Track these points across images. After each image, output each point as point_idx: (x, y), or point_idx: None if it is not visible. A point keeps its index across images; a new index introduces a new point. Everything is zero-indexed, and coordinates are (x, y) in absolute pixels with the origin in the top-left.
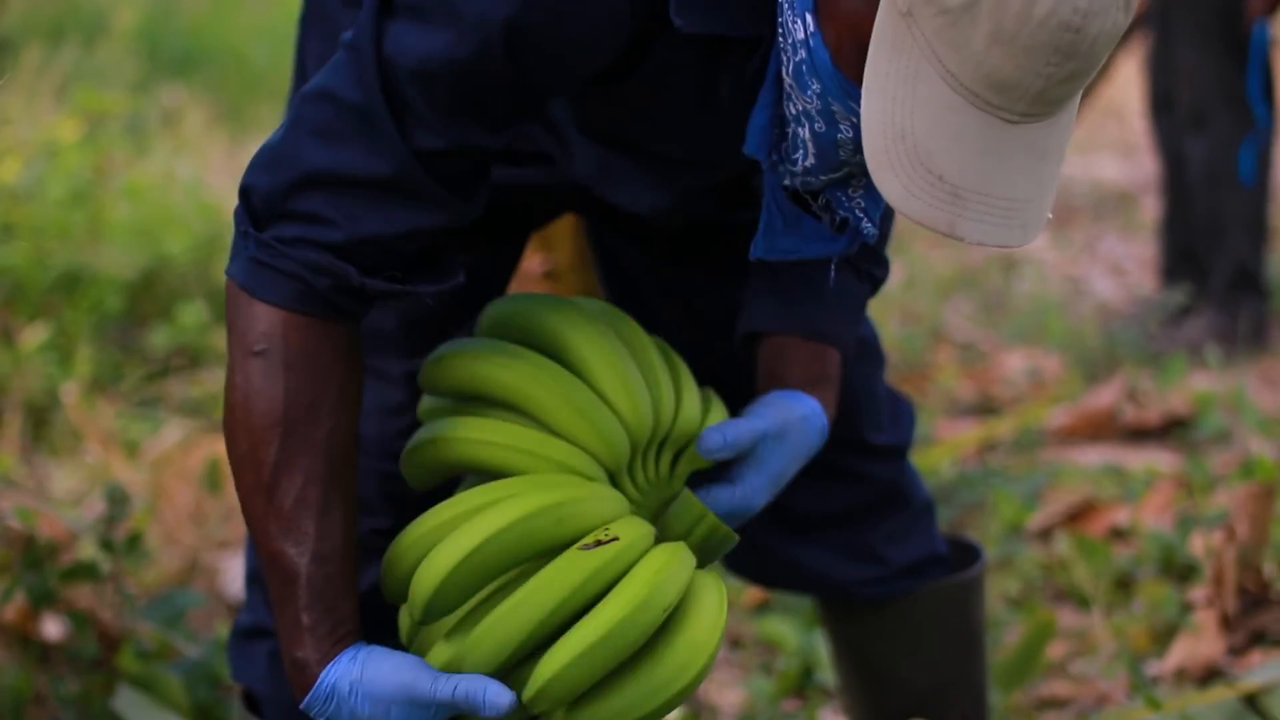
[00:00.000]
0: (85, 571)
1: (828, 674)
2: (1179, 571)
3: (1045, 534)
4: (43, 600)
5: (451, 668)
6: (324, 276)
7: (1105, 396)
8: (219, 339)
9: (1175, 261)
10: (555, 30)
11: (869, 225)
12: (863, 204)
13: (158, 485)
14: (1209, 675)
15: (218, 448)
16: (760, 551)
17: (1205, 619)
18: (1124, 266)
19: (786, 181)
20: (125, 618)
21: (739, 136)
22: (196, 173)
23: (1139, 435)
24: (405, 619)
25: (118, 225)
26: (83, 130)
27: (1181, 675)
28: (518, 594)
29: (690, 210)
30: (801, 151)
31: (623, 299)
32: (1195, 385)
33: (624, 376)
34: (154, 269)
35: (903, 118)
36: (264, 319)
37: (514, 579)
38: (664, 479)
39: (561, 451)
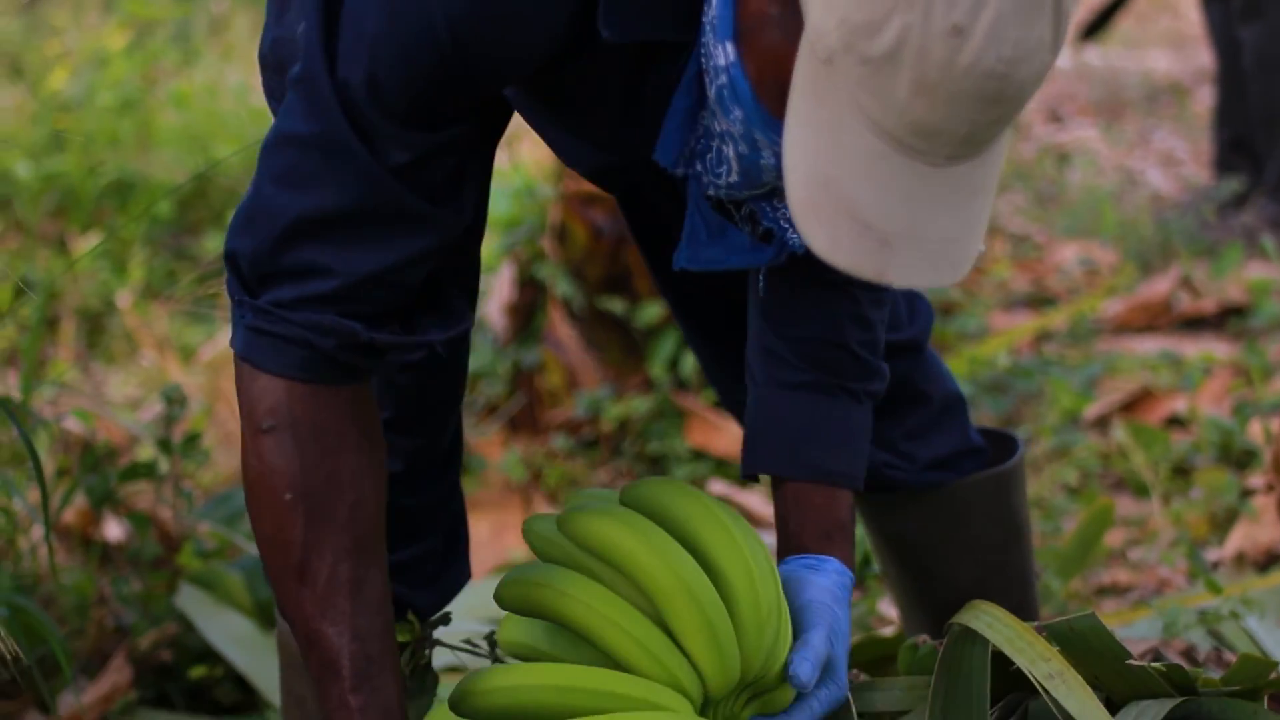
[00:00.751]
0: (144, 471)
1: None
2: (1237, 458)
3: (1102, 423)
4: (103, 501)
5: None
6: (329, 337)
7: (1160, 286)
8: None
9: (1229, 151)
10: (493, 29)
11: (794, 236)
12: (787, 215)
13: (213, 388)
14: (1269, 560)
15: None
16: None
17: (1264, 504)
18: (1177, 158)
19: (710, 191)
20: (185, 517)
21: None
22: (244, 79)
23: (1195, 325)
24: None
25: (167, 132)
26: (130, 38)
27: (1241, 560)
28: None
29: (629, 177)
30: (725, 168)
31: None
32: (1251, 274)
33: (759, 611)
34: (204, 175)
35: (826, 165)
36: (270, 393)
37: None
38: (735, 714)
39: (670, 658)
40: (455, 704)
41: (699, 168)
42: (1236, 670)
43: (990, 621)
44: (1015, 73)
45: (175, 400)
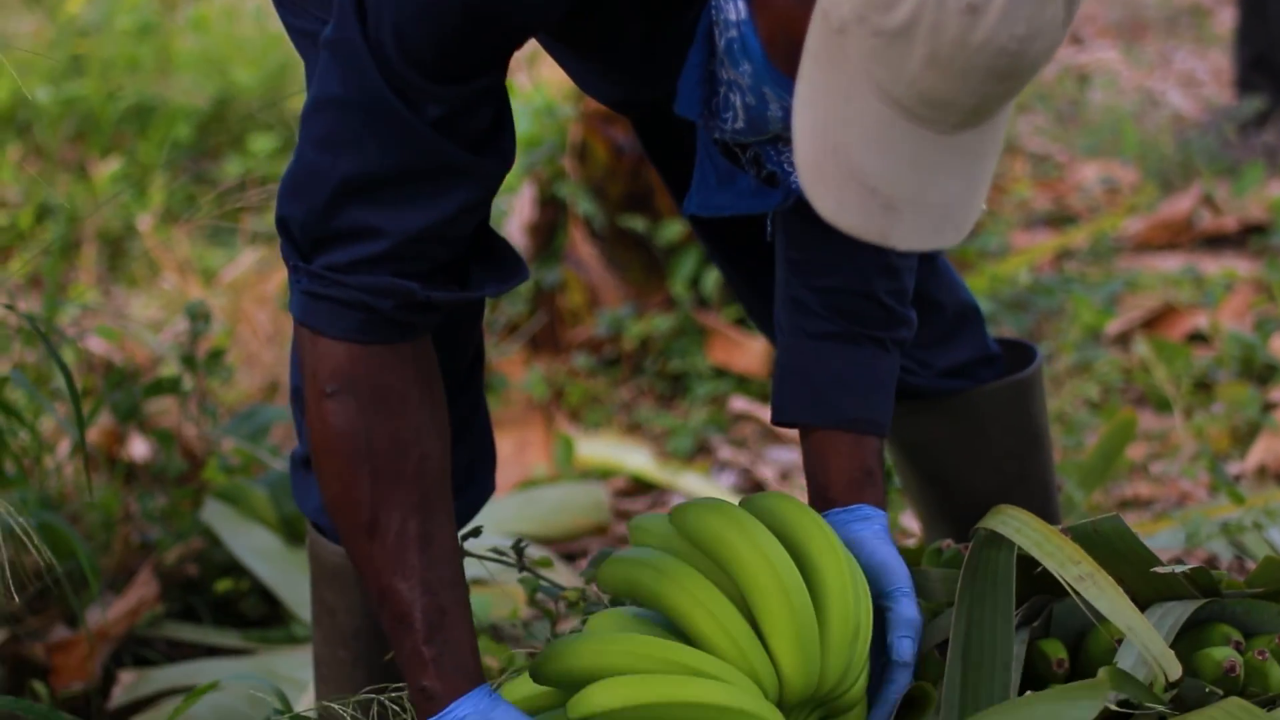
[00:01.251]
0: (169, 386)
1: None
2: (1259, 373)
3: (1124, 339)
4: (128, 417)
5: None
6: (386, 299)
7: (1182, 204)
8: None
9: (1250, 70)
10: None
11: (797, 180)
12: (791, 159)
13: (235, 310)
14: None
15: None
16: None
17: None
18: (1198, 79)
19: (716, 135)
20: (209, 433)
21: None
22: (262, 2)
23: (1216, 242)
24: (529, 689)
25: (185, 56)
26: None
27: (1263, 473)
28: None
29: (647, 109)
30: (730, 114)
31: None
32: (1272, 192)
33: (848, 628)
34: (223, 99)
35: (835, 132)
36: (331, 356)
37: None
38: None
39: (754, 652)
40: (534, 671)
41: (705, 113)
42: (1260, 573)
43: (1018, 525)
44: (1027, 50)
45: (199, 315)
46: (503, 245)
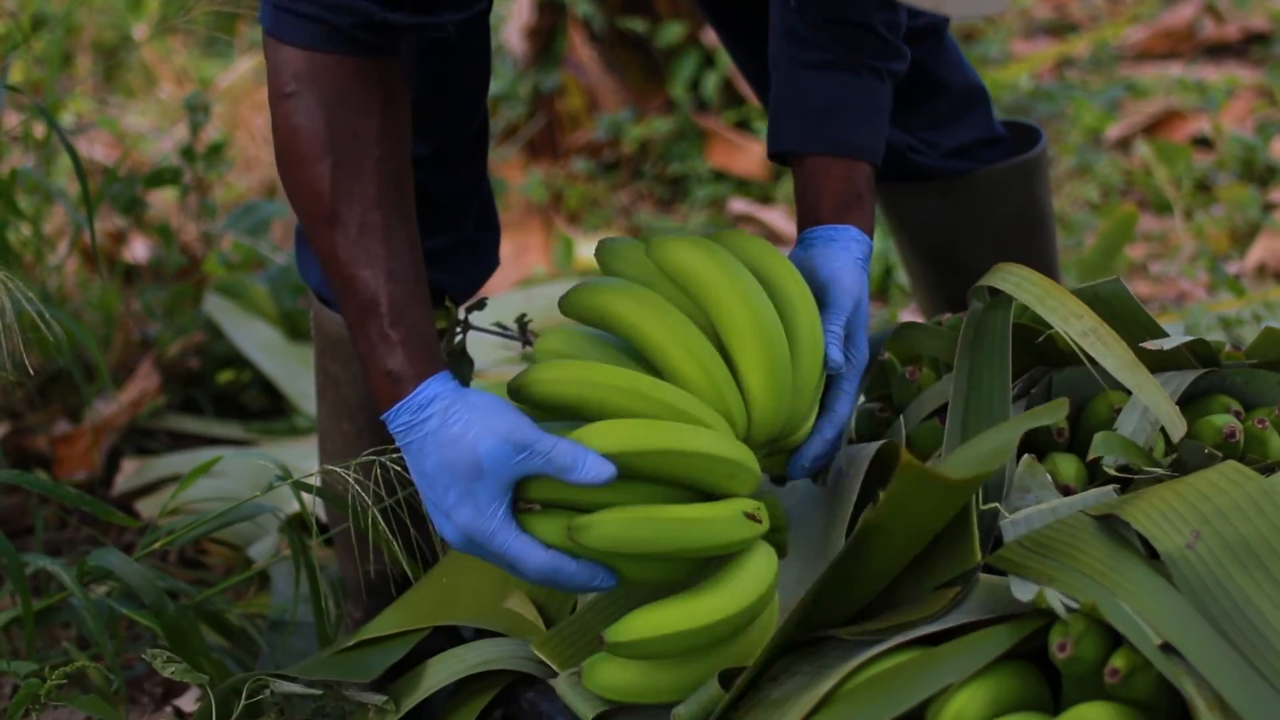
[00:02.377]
0: (169, 177)
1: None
2: (1260, 175)
3: (1125, 144)
4: (129, 209)
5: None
6: (344, 15)
7: (1184, 13)
8: None
9: None
10: None
11: None
12: None
13: (232, 116)
14: None
15: None
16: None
17: None
18: None
19: None
20: (209, 228)
21: None
22: None
23: (1218, 51)
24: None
25: None
26: None
27: (1262, 272)
28: (669, 511)
29: None
30: None
31: None
32: (1275, 1)
33: (815, 373)
34: None
35: None
36: (292, 61)
37: (666, 486)
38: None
39: (727, 389)
40: (515, 390)
41: None
42: (1259, 344)
43: (1018, 281)
44: None
45: (198, 107)
46: None
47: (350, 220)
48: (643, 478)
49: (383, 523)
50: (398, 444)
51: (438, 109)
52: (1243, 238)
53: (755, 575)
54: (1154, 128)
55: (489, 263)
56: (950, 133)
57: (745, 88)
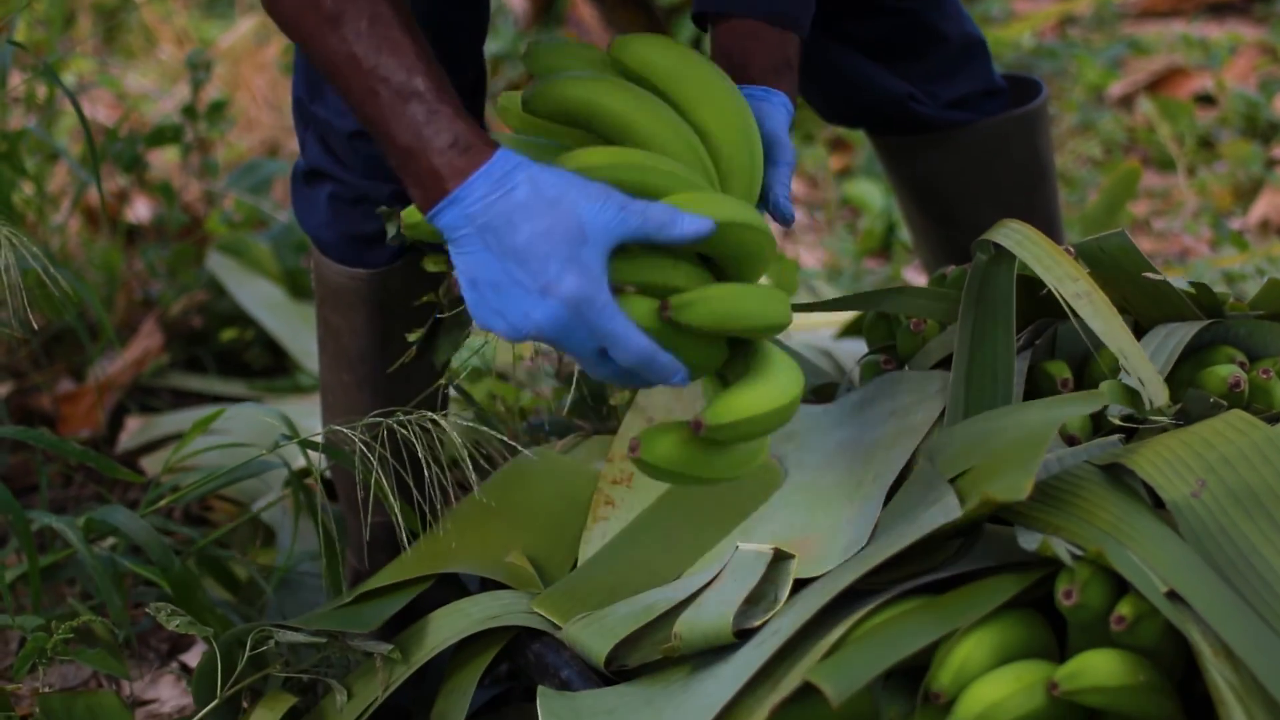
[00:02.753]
0: (171, 135)
1: None
2: (1263, 131)
3: (1128, 101)
4: (131, 166)
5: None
6: None
7: None
8: None
9: None
10: None
11: None
12: None
13: (234, 77)
14: None
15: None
16: (826, 71)
17: None
18: None
19: None
20: (211, 186)
21: None
22: None
23: (1220, 10)
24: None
25: None
26: None
27: (1265, 228)
28: (760, 289)
29: None
30: None
31: None
32: None
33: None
34: None
35: None
36: None
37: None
38: None
39: (711, 171)
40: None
41: None
42: (1264, 294)
43: (1019, 239)
44: None
45: (199, 65)
46: None
47: (357, 15)
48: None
49: (384, 481)
50: (461, 231)
51: (437, 56)
52: (1246, 194)
53: (789, 362)
54: (1157, 85)
55: None
56: (950, 85)
57: None
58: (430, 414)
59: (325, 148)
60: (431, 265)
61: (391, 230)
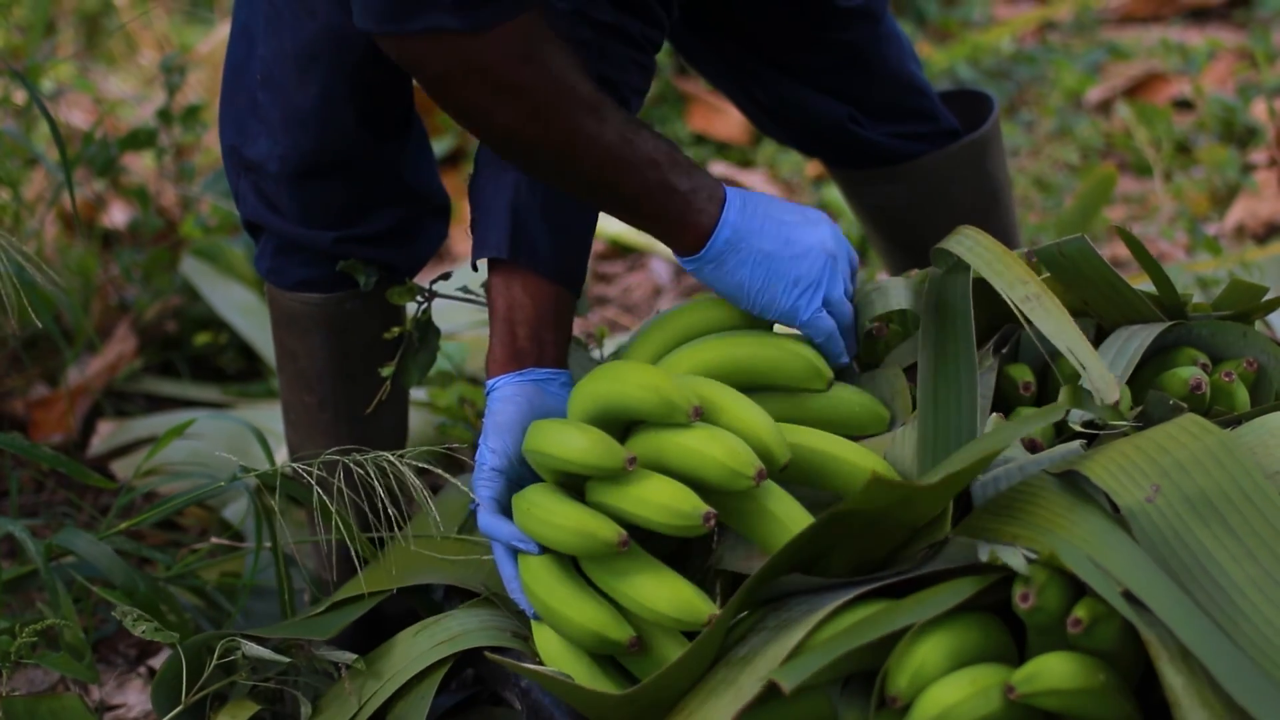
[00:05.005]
0: (145, 139)
1: None
2: (1240, 136)
3: (1105, 107)
4: (106, 171)
5: None
6: None
7: None
8: None
9: None
10: None
11: None
12: None
13: (214, 82)
14: (1268, 232)
15: None
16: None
17: (1265, 179)
18: None
19: None
20: (186, 190)
21: None
22: None
23: (1200, 15)
24: None
25: None
26: None
27: (1241, 233)
28: None
29: None
30: None
31: None
32: None
33: None
34: None
35: None
36: (523, 25)
37: None
38: None
39: None
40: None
41: None
42: (1226, 295)
43: (971, 245)
44: None
45: (174, 68)
46: None
47: (611, 112)
48: None
49: (345, 513)
50: (719, 246)
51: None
52: (1222, 199)
53: None
54: (1135, 90)
55: (438, 235)
56: (892, 116)
57: None
58: (388, 455)
59: (259, 195)
60: (396, 297)
61: (363, 280)
